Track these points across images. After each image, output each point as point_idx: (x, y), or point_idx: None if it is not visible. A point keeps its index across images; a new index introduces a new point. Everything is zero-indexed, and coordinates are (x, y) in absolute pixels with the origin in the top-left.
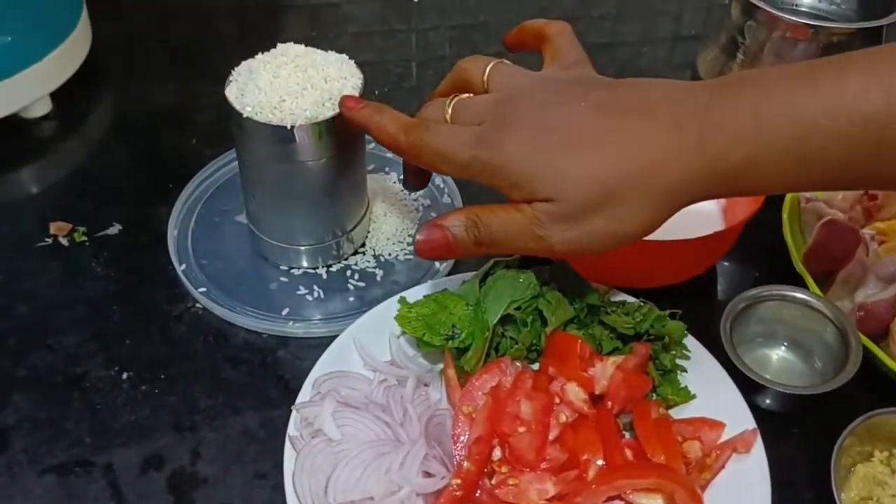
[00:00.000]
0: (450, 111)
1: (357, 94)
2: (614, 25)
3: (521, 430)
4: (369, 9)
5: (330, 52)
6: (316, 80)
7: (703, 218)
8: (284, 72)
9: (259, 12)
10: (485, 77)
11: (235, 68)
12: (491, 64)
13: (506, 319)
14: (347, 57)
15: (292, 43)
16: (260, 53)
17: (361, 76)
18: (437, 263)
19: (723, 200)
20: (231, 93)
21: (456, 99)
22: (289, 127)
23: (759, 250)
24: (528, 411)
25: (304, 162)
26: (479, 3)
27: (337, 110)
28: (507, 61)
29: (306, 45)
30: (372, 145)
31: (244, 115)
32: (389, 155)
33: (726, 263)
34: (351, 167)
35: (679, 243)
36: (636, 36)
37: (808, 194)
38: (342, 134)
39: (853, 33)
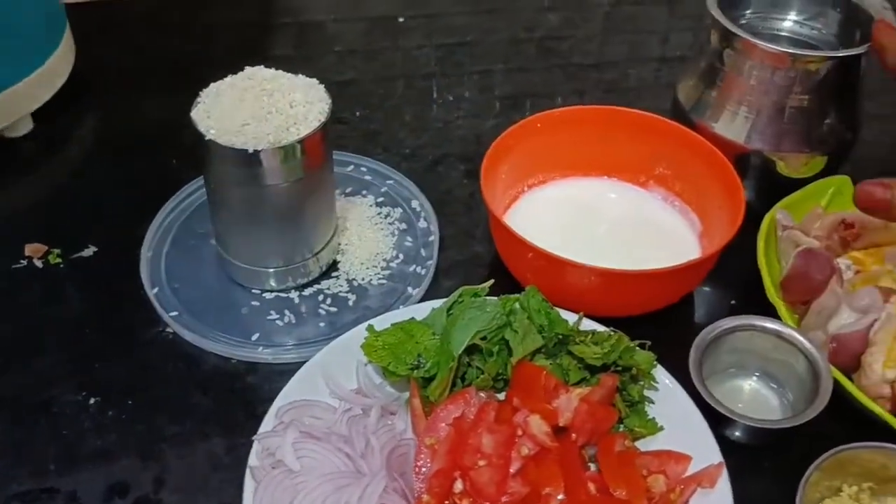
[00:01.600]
0: None
1: (323, 120)
2: (601, 46)
3: (482, 463)
4: (355, 28)
5: (300, 76)
6: (281, 104)
7: (678, 246)
8: (250, 95)
9: (245, 31)
10: None
11: (204, 90)
12: None
13: (473, 349)
14: (317, 81)
15: (262, 67)
16: (228, 76)
17: (329, 101)
18: (409, 289)
19: (699, 227)
20: (197, 115)
21: None
22: (250, 151)
23: (737, 277)
24: (490, 444)
25: (268, 185)
26: (464, 23)
27: (301, 135)
28: None
29: (292, 63)
30: (350, 167)
31: (207, 138)
32: (368, 177)
33: (705, 289)
34: (317, 190)
35: (654, 273)
36: (622, 56)
37: (785, 222)
38: (307, 158)
39: (832, 60)
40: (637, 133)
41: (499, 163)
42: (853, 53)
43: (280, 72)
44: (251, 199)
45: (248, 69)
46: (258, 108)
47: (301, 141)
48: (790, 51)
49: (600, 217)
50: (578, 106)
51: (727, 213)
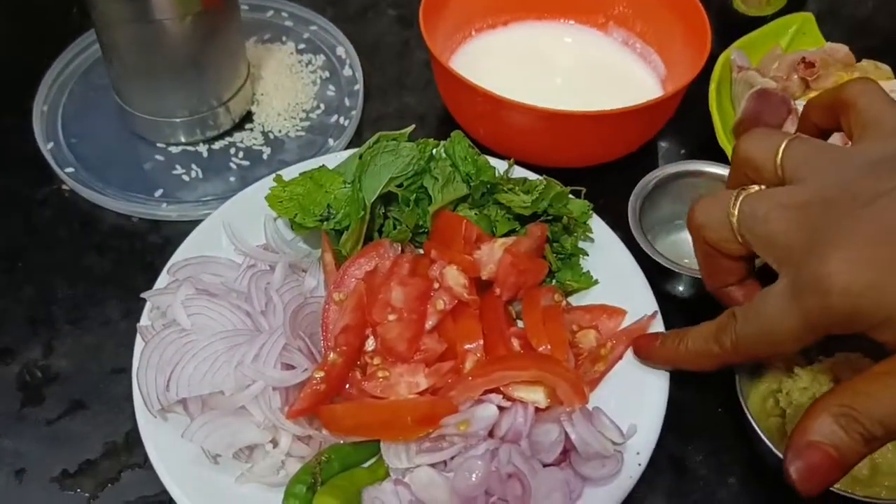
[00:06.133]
0: (735, 214)
1: None
2: None
3: (392, 317)
4: None
5: None
6: None
7: (640, 92)
8: None
9: None
10: (778, 160)
11: None
12: (784, 143)
13: (390, 199)
14: None
15: None
16: None
17: None
18: (330, 141)
19: (663, 70)
20: None
21: (743, 195)
22: None
23: (692, 128)
24: (401, 297)
25: (159, 20)
26: None
27: None
28: (803, 135)
29: None
30: (269, 13)
31: None
32: (289, 24)
33: (662, 144)
34: (220, 29)
35: (612, 114)
36: None
37: (740, 62)
38: None
39: None
40: None
41: (441, 2)
42: None
43: None
44: (144, 38)
45: None
46: None
47: None
48: None
49: (554, 64)
50: None
51: (692, 50)
